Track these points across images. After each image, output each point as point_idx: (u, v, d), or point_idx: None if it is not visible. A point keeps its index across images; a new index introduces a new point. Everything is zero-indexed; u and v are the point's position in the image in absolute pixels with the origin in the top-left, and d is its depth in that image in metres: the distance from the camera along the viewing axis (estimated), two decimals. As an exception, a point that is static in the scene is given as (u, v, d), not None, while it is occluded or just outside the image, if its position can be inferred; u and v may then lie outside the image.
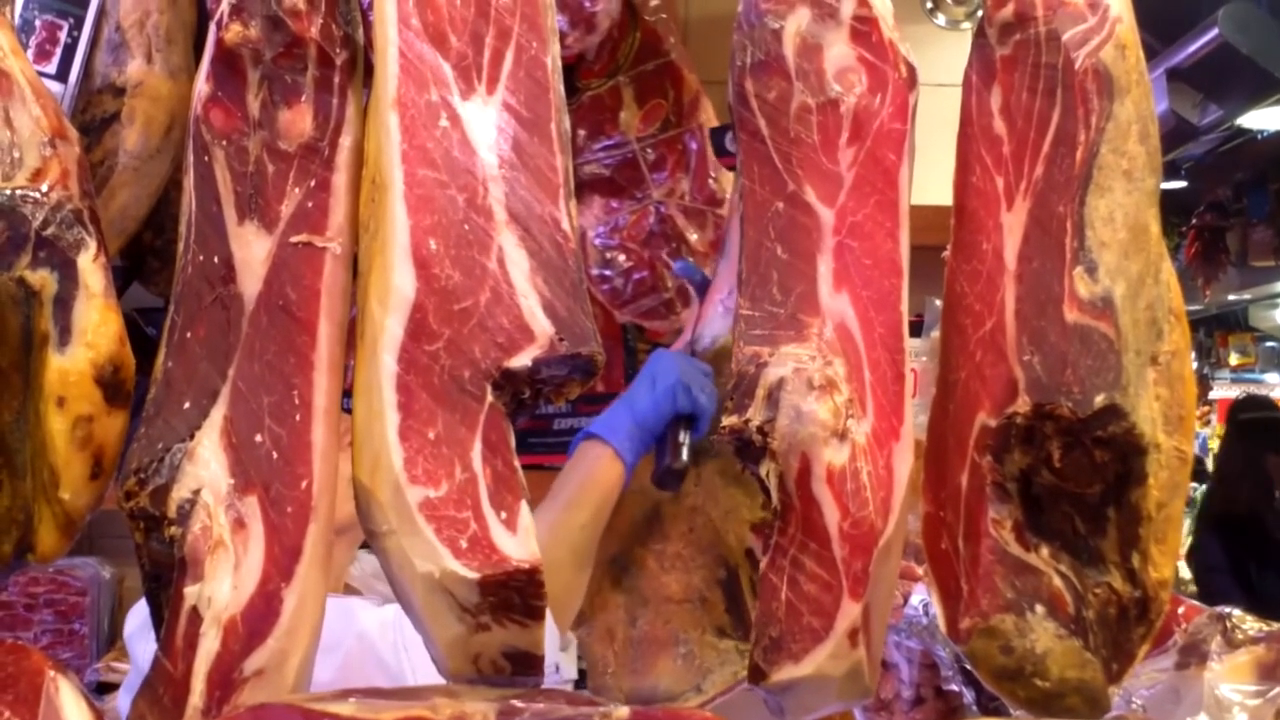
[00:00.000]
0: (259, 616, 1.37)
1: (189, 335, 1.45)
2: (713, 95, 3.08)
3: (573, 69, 2.95)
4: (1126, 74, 1.50)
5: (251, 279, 1.46)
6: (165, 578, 1.40)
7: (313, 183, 1.48)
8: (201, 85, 1.51)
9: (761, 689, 1.45)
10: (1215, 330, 12.68)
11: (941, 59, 2.47)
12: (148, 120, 1.94)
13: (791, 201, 1.51)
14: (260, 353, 1.44)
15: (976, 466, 1.46)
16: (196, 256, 1.47)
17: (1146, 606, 1.44)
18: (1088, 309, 1.43)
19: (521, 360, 1.40)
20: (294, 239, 1.47)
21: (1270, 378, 12.43)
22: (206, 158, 1.49)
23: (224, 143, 1.49)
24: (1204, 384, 11.89)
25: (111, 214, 1.93)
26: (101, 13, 1.95)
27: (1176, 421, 1.44)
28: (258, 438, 1.41)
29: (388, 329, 1.40)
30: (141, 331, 2.19)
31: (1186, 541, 6.15)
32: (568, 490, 1.99)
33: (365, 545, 2.30)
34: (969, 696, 2.22)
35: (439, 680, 1.40)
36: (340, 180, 1.49)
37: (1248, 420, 6.58)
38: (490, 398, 1.40)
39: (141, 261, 2.18)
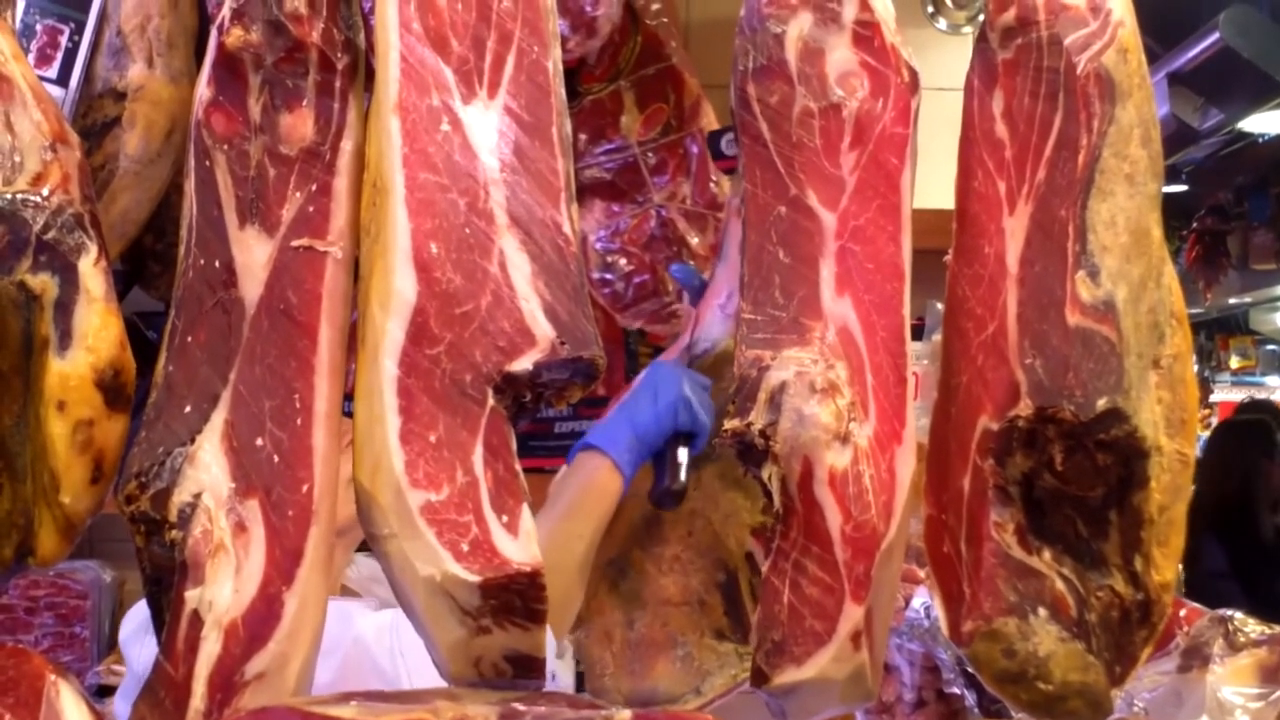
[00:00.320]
0: (260, 620, 1.37)
1: (190, 339, 1.45)
2: (714, 99, 3.08)
3: (574, 73, 2.95)
4: (1128, 78, 1.50)
5: (252, 283, 1.46)
6: (166, 581, 1.40)
7: (314, 187, 1.48)
8: (203, 90, 1.51)
9: (764, 692, 1.45)
10: (1216, 333, 12.68)
11: (943, 62, 2.47)
12: (149, 124, 1.94)
13: (794, 205, 1.51)
14: (261, 357, 1.44)
15: (978, 470, 1.46)
16: (197, 260, 1.47)
17: (1149, 609, 1.44)
18: (1090, 313, 1.43)
19: (523, 364, 1.40)
20: (295, 243, 1.47)
21: (1271, 380, 12.43)
22: (208, 162, 1.49)
23: (225, 147, 1.49)
24: (1205, 387, 11.88)
25: (112, 218, 1.93)
26: (102, 17, 1.95)
27: (1178, 425, 1.44)
28: (259, 441, 1.41)
29: (389, 333, 1.40)
30: (142, 335, 2.19)
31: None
32: (566, 500, 1.97)
33: (363, 548, 2.31)
34: (971, 699, 2.22)
35: (436, 684, 1.40)
36: (341, 184, 1.50)
37: (1240, 422, 6.57)
38: (491, 401, 1.40)
39: (142, 265, 2.18)
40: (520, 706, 1.29)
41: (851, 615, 1.41)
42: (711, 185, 3.05)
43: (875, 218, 1.51)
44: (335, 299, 1.47)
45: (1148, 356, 1.43)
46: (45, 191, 1.41)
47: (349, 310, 1.49)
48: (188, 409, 1.43)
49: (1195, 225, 8.46)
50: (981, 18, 1.60)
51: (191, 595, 1.36)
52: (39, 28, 1.93)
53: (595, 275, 3.08)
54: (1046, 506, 1.45)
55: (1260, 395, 11.54)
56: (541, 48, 1.52)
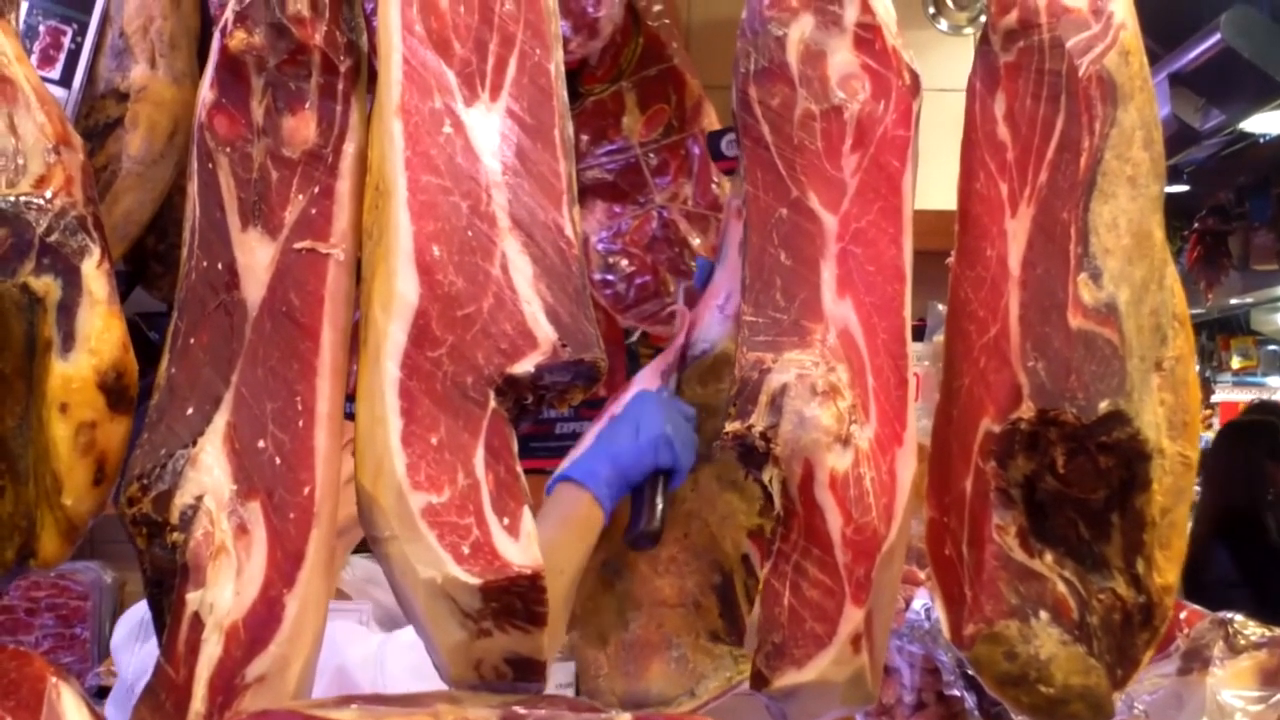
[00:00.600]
0: (261, 622, 1.37)
1: (192, 341, 1.45)
2: (715, 100, 3.08)
3: (576, 74, 2.95)
4: (1130, 80, 1.50)
5: (255, 285, 1.46)
6: (167, 583, 1.40)
7: (316, 189, 1.49)
8: (206, 92, 1.51)
9: (764, 695, 1.45)
10: (1217, 334, 12.67)
11: (944, 64, 2.48)
12: (151, 125, 1.94)
13: (795, 208, 1.51)
14: (263, 359, 1.44)
15: (980, 472, 1.46)
16: (200, 262, 1.47)
17: (1151, 612, 1.44)
18: (1092, 315, 1.43)
19: (524, 366, 1.40)
20: (297, 245, 1.47)
21: (1272, 381, 12.42)
22: (210, 164, 1.49)
23: (228, 149, 1.49)
24: (1206, 388, 11.87)
25: (115, 219, 1.93)
26: (105, 18, 1.95)
27: (1181, 427, 1.44)
28: (261, 443, 1.42)
29: (391, 335, 1.40)
30: (144, 336, 2.19)
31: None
32: (546, 536, 1.94)
33: (360, 549, 2.31)
34: (971, 701, 2.22)
35: None
36: (344, 187, 1.50)
37: (1246, 423, 6.51)
38: (493, 403, 1.40)
39: (145, 266, 2.18)
40: (521, 709, 1.29)
41: (852, 618, 1.41)
42: (713, 186, 3.05)
43: (876, 220, 1.51)
44: (337, 301, 1.47)
45: (1150, 359, 1.43)
46: (48, 194, 1.41)
47: (351, 312, 1.49)
48: (190, 411, 1.43)
49: (1196, 226, 8.45)
50: (983, 19, 1.60)
51: (193, 597, 1.36)
52: (42, 29, 1.94)
53: (597, 276, 3.08)
54: (1048, 509, 1.45)
55: (1263, 396, 11.54)
56: (544, 50, 1.52)
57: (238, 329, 1.45)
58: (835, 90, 1.53)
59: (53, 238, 1.40)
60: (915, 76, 1.55)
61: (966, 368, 1.50)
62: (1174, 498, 1.42)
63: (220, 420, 1.43)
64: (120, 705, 2.30)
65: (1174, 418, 1.43)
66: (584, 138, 3.04)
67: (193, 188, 1.49)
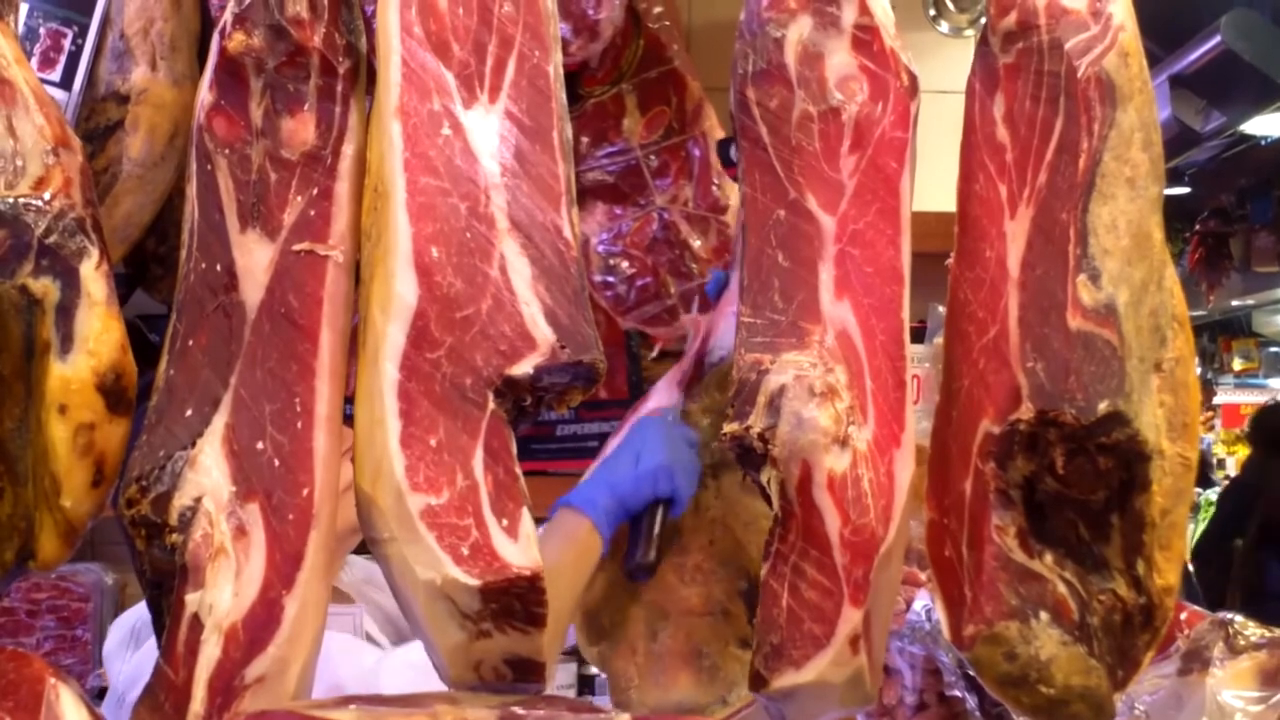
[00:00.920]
0: (260, 624, 1.37)
1: (191, 343, 1.45)
2: (716, 102, 3.08)
3: (576, 76, 2.95)
4: (1129, 82, 1.50)
5: (254, 287, 1.46)
6: (167, 585, 1.40)
7: (315, 191, 1.49)
8: (204, 94, 1.51)
9: (763, 696, 1.45)
10: (1219, 335, 12.68)
11: (944, 66, 2.48)
12: (152, 128, 1.94)
13: (793, 209, 1.51)
14: (262, 360, 1.44)
15: (980, 473, 1.46)
16: (199, 264, 1.47)
17: (1151, 613, 1.44)
18: (1091, 316, 1.43)
19: (523, 368, 1.40)
20: (296, 247, 1.47)
21: (1274, 383, 12.43)
22: (209, 166, 1.49)
23: (227, 151, 1.49)
24: (1208, 389, 11.89)
25: (115, 221, 1.93)
26: (106, 20, 1.95)
27: (1180, 428, 1.44)
28: (259, 445, 1.42)
29: (390, 336, 1.40)
30: (145, 338, 2.20)
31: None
32: (546, 562, 1.93)
33: (361, 550, 2.31)
34: (972, 702, 2.21)
35: None
36: (343, 188, 1.50)
37: None
38: (492, 405, 1.40)
39: (145, 268, 2.18)
40: (520, 710, 1.30)
41: (850, 619, 1.41)
42: (713, 188, 3.05)
43: (874, 221, 1.51)
44: (336, 303, 1.47)
45: (1149, 360, 1.43)
46: (47, 195, 1.41)
47: (350, 314, 1.49)
48: (189, 412, 1.43)
49: (1198, 228, 8.46)
50: (982, 21, 1.60)
51: (192, 599, 1.36)
52: (42, 31, 1.94)
53: (597, 278, 3.08)
54: (1048, 510, 1.45)
55: (1264, 398, 11.54)
56: (542, 52, 1.52)
57: (236, 331, 1.45)
58: (833, 91, 1.53)
59: (51, 239, 1.40)
60: (913, 78, 1.55)
61: (966, 369, 1.50)
62: (1174, 499, 1.42)
63: (219, 422, 1.43)
64: (112, 715, 2.30)
65: (1173, 419, 1.42)
66: (584, 140, 3.04)
67: (191, 189, 1.50)
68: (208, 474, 1.40)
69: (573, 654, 3.55)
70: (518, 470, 1.41)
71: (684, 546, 2.05)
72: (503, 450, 1.40)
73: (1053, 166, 1.48)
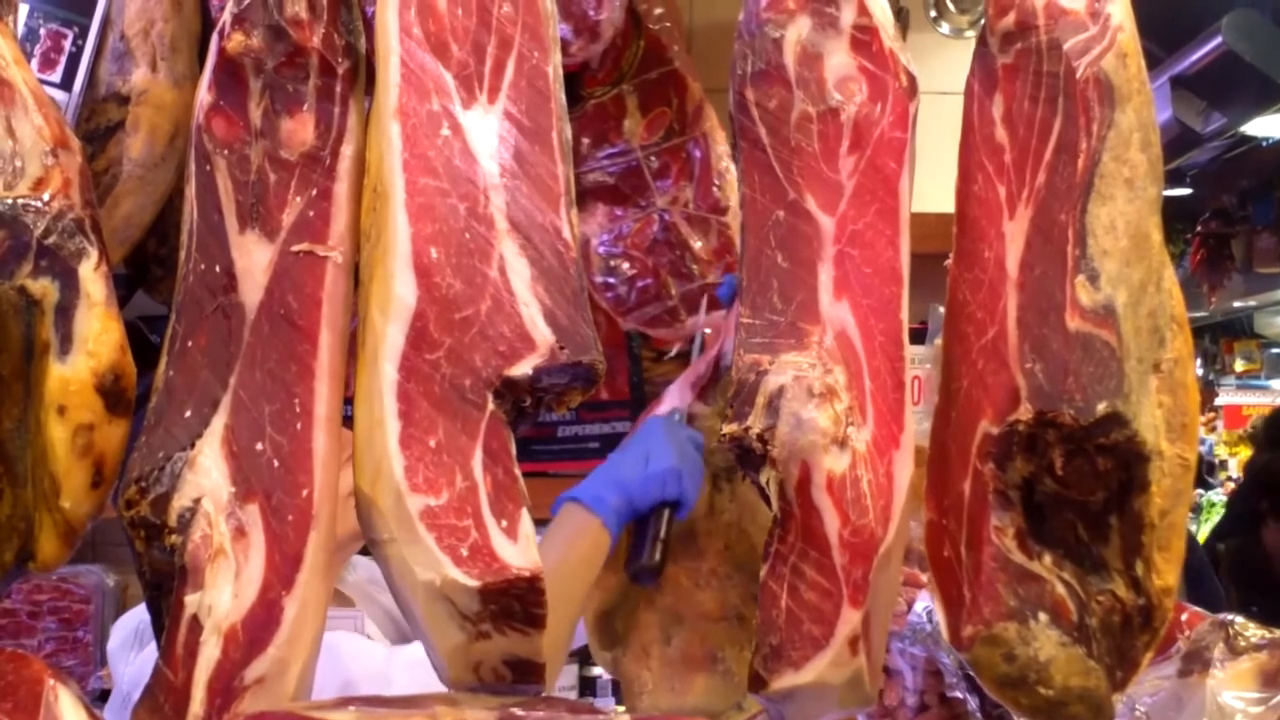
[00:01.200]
0: (260, 625, 1.37)
1: (190, 344, 1.45)
2: (716, 103, 3.08)
3: (577, 77, 2.95)
4: (1128, 82, 1.50)
5: (253, 287, 1.46)
6: (166, 586, 1.40)
7: (314, 191, 1.49)
8: (204, 94, 1.51)
9: (762, 697, 1.45)
10: (1220, 337, 12.67)
11: (945, 67, 2.47)
12: (152, 129, 1.94)
13: (792, 210, 1.51)
14: (261, 361, 1.44)
15: (979, 474, 1.46)
16: (198, 265, 1.47)
17: (1150, 614, 1.44)
18: (1090, 317, 1.43)
19: (522, 369, 1.40)
20: (295, 247, 1.47)
21: (1276, 384, 12.42)
22: (208, 166, 1.49)
23: (226, 151, 1.49)
24: (1209, 391, 11.88)
25: (116, 222, 1.93)
26: (106, 22, 1.95)
27: (1179, 429, 1.44)
28: (259, 446, 1.42)
29: (389, 337, 1.40)
30: (145, 339, 2.20)
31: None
32: (552, 558, 1.92)
33: (366, 551, 2.31)
34: (973, 704, 2.21)
35: None
36: (342, 189, 1.50)
37: None
38: (491, 406, 1.40)
39: (145, 269, 2.18)
40: (519, 711, 1.29)
41: (849, 620, 1.41)
42: (714, 189, 3.05)
43: (873, 222, 1.51)
44: (335, 304, 1.47)
45: (1148, 360, 1.43)
46: (46, 196, 1.41)
47: (349, 315, 1.49)
48: (188, 413, 1.43)
49: (1199, 229, 8.46)
50: (983, 22, 1.60)
51: (191, 600, 1.36)
52: (43, 32, 1.94)
53: (598, 279, 3.08)
54: (1047, 511, 1.45)
55: (1266, 399, 11.53)
56: (541, 53, 1.52)
57: (235, 332, 1.45)
58: (832, 92, 1.53)
59: (50, 240, 1.40)
60: (912, 78, 1.55)
61: (964, 370, 1.50)
62: (1173, 499, 1.42)
63: (218, 423, 1.43)
64: (116, 714, 2.30)
65: (1172, 419, 1.42)
66: (585, 141, 3.04)
67: (190, 190, 1.50)
68: (207, 475, 1.40)
69: (574, 656, 3.55)
70: (517, 471, 1.41)
71: (699, 551, 2.04)
72: (502, 451, 1.40)
73: (1051, 167, 1.48)
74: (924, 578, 2.30)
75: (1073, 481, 1.43)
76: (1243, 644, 1.83)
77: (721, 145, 2.99)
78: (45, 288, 1.39)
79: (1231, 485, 10.07)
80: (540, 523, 1.48)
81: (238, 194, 1.48)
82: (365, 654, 2.22)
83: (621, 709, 3.06)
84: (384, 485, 1.37)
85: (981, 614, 1.42)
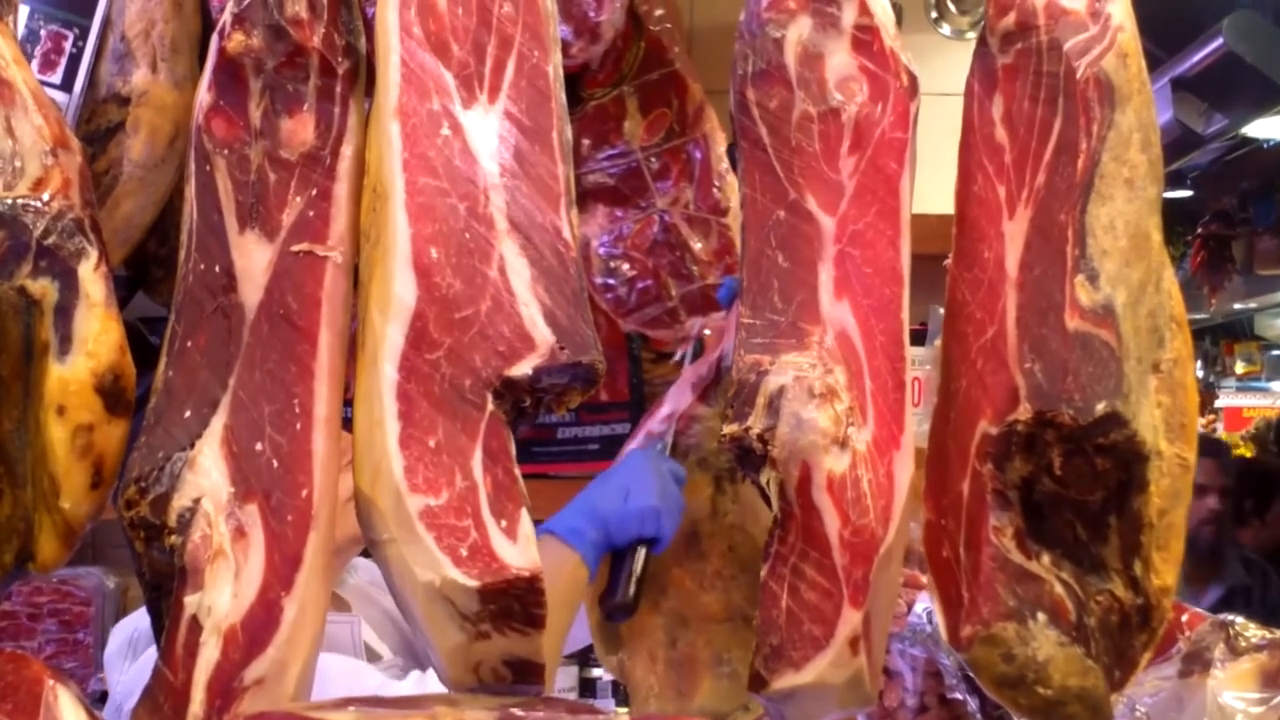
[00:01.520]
0: (259, 625, 1.37)
1: (190, 344, 1.45)
2: (717, 104, 3.07)
3: (577, 78, 2.95)
4: (1128, 83, 1.50)
5: (253, 288, 1.46)
6: (166, 587, 1.40)
7: (314, 191, 1.49)
8: (203, 94, 1.51)
9: (762, 697, 1.45)
10: (1221, 339, 12.67)
11: (946, 68, 2.47)
12: (153, 129, 1.94)
13: (793, 210, 1.51)
14: (261, 361, 1.44)
15: (978, 474, 1.46)
16: (198, 265, 1.47)
17: (1149, 614, 1.44)
18: (1089, 317, 1.43)
19: (522, 369, 1.40)
20: (295, 248, 1.47)
21: (1276, 386, 12.42)
22: (208, 166, 1.49)
23: (225, 152, 1.49)
24: (1210, 392, 11.88)
25: (116, 223, 1.93)
26: (106, 23, 1.95)
27: (1178, 429, 1.44)
28: (258, 446, 1.41)
29: (388, 337, 1.40)
30: (146, 340, 2.20)
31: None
32: None
33: (365, 553, 2.31)
34: (973, 705, 2.21)
35: None
36: (342, 189, 1.50)
37: None
38: (491, 406, 1.40)
39: (146, 270, 2.18)
40: (519, 712, 1.29)
41: (849, 620, 1.41)
42: (714, 190, 3.05)
43: (874, 222, 1.51)
44: (335, 304, 1.47)
45: (1147, 360, 1.43)
46: (46, 196, 1.41)
47: (349, 315, 1.49)
48: (187, 414, 1.43)
49: (1200, 230, 8.45)
50: (984, 23, 1.60)
51: (190, 600, 1.36)
52: (43, 33, 1.94)
53: (598, 280, 3.08)
54: (1046, 511, 1.45)
55: (1267, 401, 11.53)
56: (542, 52, 1.52)
57: (235, 332, 1.45)
58: (833, 92, 1.53)
59: (50, 240, 1.40)
60: (913, 78, 1.55)
61: (964, 370, 1.50)
62: (1171, 499, 1.42)
63: (218, 423, 1.43)
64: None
65: (1171, 420, 1.42)
66: (585, 142, 3.04)
67: (190, 190, 1.50)
68: (206, 475, 1.40)
69: (574, 657, 3.55)
70: (516, 471, 1.41)
71: (702, 553, 2.04)
72: (501, 451, 1.40)
73: (1051, 167, 1.48)
74: (924, 579, 2.30)
75: (1071, 481, 1.43)
76: (1243, 644, 1.83)
77: (721, 146, 2.99)
78: (45, 288, 1.39)
79: (1232, 487, 10.06)
80: (539, 524, 1.48)
81: (237, 194, 1.48)
82: (355, 677, 2.21)
83: (623, 710, 3.07)
84: (383, 485, 1.37)
85: (980, 614, 1.42)
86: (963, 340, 1.50)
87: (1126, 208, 1.46)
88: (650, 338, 3.29)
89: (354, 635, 2.37)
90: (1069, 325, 1.43)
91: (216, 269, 1.47)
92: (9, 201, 1.40)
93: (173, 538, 1.38)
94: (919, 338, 2.64)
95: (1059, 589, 1.42)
